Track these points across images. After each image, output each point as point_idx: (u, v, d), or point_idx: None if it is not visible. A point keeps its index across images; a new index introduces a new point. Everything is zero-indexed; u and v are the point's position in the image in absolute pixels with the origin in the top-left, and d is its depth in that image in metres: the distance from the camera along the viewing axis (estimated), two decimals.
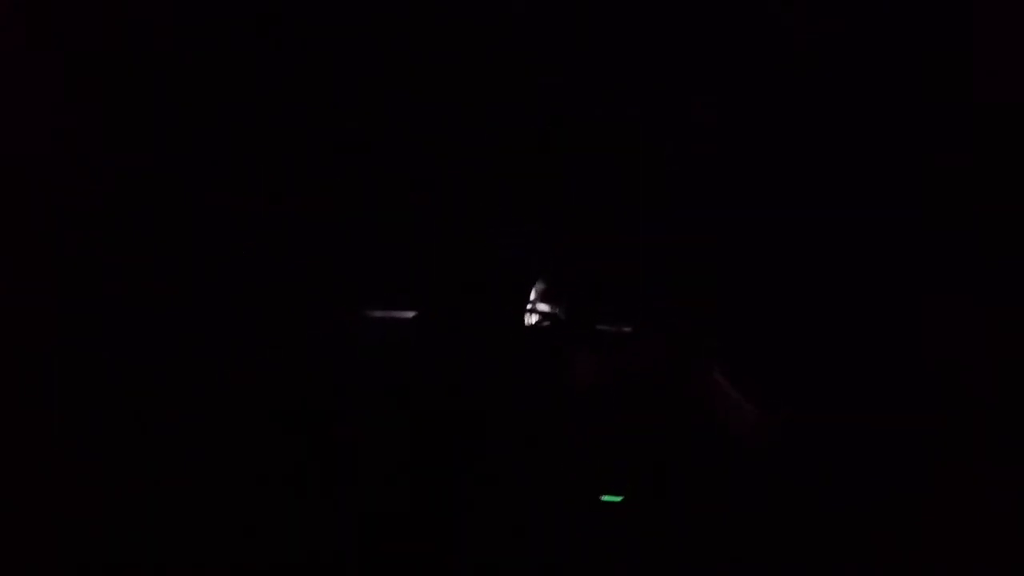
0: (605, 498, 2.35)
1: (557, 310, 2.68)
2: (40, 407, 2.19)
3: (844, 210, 2.56)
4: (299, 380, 2.50)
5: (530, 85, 2.69)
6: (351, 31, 2.65)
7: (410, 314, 2.61)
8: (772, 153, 2.66)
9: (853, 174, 2.55)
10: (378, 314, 2.65)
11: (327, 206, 2.64)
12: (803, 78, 2.61)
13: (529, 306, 2.67)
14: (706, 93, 2.66)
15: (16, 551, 2.10)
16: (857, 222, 2.53)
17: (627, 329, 2.63)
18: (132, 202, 2.39)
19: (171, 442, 2.35)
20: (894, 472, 2.37)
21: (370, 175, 2.71)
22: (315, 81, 2.64)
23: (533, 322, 2.66)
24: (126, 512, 2.27)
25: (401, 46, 2.67)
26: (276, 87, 2.61)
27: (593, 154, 2.75)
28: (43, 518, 2.16)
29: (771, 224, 2.66)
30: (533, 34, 2.69)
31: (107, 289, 2.31)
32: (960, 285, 2.39)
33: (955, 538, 2.26)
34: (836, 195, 2.58)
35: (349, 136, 2.69)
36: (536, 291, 2.70)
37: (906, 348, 2.44)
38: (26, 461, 2.14)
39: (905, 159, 2.50)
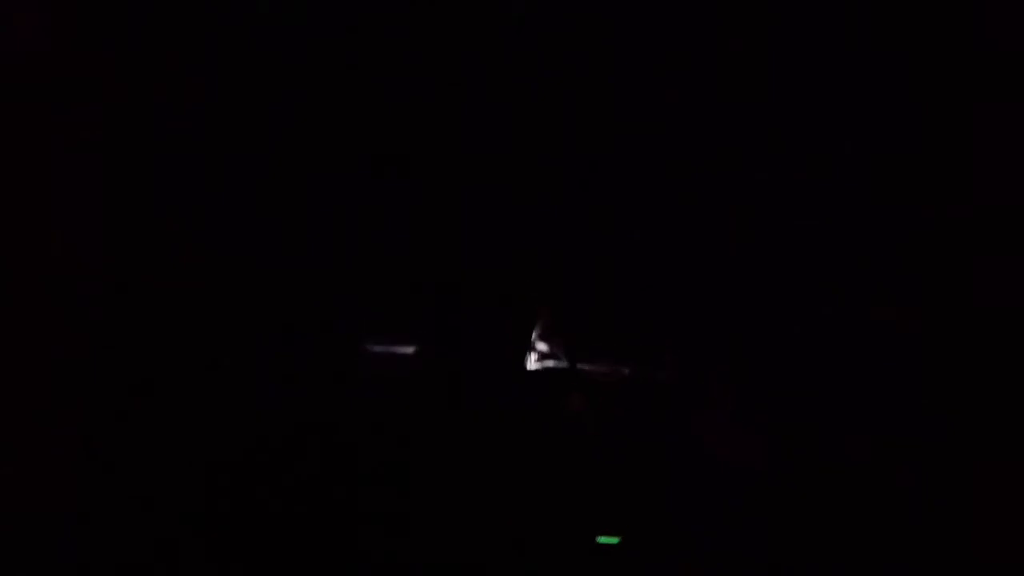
0: (601, 539, 2.34)
1: (553, 350, 2.70)
2: (45, 410, 2.19)
3: (833, 217, 2.57)
4: (303, 408, 2.52)
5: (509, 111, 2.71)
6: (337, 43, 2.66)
7: (410, 350, 2.63)
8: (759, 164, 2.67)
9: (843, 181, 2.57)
10: (380, 348, 2.67)
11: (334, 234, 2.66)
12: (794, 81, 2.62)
13: (528, 346, 2.70)
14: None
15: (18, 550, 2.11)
16: (843, 231, 2.56)
17: (620, 369, 2.65)
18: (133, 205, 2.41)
19: (175, 447, 2.36)
20: (892, 482, 2.38)
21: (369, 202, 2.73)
22: (311, 96, 2.65)
23: (532, 362, 2.68)
24: (130, 513, 2.28)
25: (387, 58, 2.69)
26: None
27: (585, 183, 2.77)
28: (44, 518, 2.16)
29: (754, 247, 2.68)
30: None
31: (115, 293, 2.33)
32: (957, 287, 2.40)
33: (954, 538, 2.27)
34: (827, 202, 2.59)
35: (349, 153, 2.70)
36: (534, 331, 2.72)
37: (899, 353, 2.46)
38: (27, 461, 2.15)
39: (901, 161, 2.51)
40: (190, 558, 2.26)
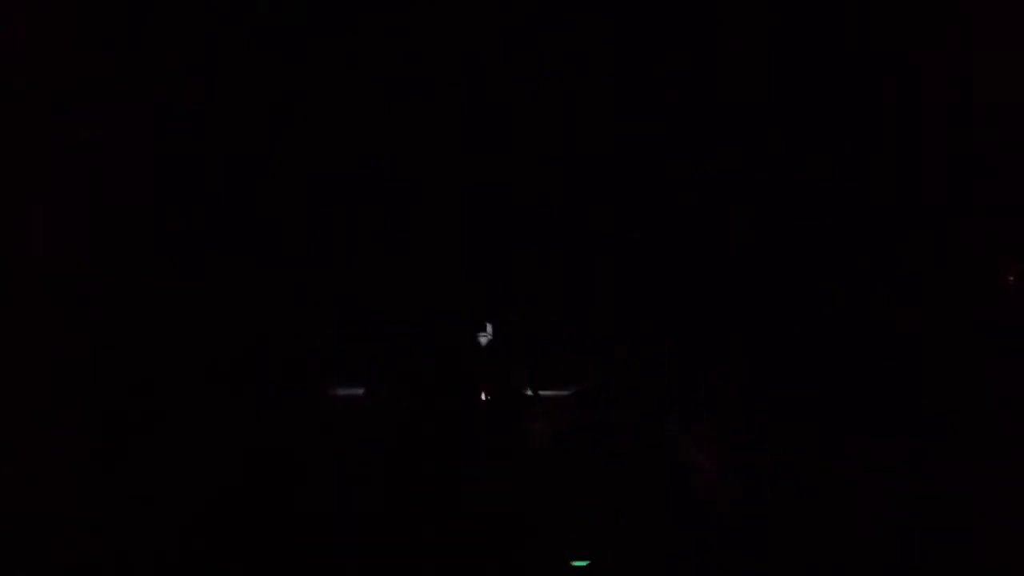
0: (575, 563, 2.37)
1: (512, 379, 2.73)
2: (45, 410, 2.20)
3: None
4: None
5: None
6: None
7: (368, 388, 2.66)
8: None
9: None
10: (344, 391, 2.69)
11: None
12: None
13: (485, 377, 2.72)
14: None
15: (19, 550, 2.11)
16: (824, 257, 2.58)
17: (581, 391, 2.68)
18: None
19: (175, 446, 2.36)
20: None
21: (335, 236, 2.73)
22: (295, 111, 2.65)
23: (489, 393, 2.70)
24: (130, 515, 2.28)
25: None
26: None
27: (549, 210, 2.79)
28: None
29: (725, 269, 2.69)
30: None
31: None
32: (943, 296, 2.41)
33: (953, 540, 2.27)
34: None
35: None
36: (491, 362, 2.75)
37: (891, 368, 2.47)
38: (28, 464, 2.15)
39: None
40: (189, 557, 2.26)
